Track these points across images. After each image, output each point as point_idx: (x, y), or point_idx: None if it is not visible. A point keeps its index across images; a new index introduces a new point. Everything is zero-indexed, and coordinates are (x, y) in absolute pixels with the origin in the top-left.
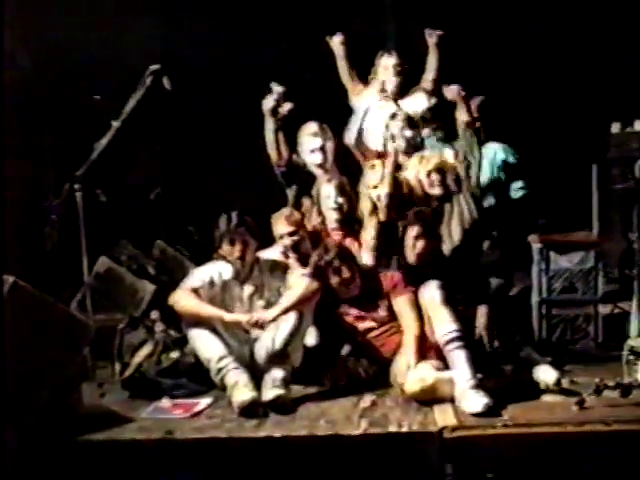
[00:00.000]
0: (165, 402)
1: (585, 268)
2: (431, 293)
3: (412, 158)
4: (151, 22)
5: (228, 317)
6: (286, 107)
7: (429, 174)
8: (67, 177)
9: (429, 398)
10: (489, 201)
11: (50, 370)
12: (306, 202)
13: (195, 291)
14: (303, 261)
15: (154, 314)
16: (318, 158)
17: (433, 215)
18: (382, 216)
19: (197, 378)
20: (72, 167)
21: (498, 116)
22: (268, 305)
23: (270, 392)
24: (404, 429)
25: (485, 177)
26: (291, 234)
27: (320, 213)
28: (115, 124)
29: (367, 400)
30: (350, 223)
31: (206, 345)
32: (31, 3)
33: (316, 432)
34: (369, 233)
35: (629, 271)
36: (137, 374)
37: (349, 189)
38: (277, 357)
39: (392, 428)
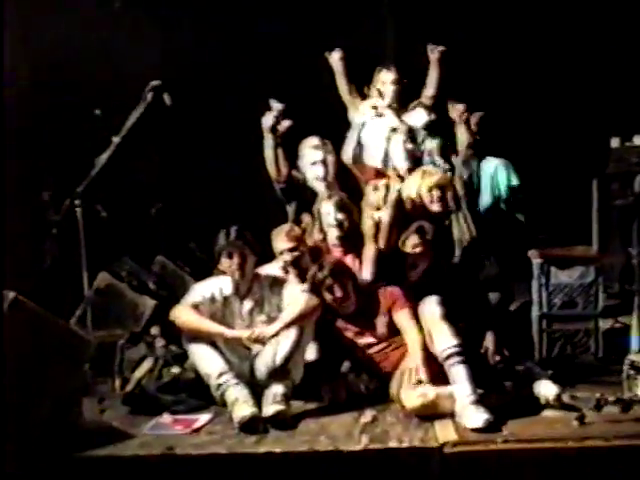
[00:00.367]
0: (165, 418)
1: (585, 283)
2: (431, 309)
3: (414, 173)
4: (151, 38)
5: (229, 334)
6: (285, 124)
7: (430, 190)
8: (68, 193)
9: (430, 413)
10: (489, 216)
11: (50, 385)
12: (306, 218)
13: (196, 307)
14: (303, 277)
15: (154, 330)
16: (320, 171)
17: (435, 230)
18: (382, 243)
19: (197, 394)
20: (73, 183)
21: (498, 131)
22: (268, 320)
23: (270, 408)
24: (405, 445)
25: (485, 193)
26: (291, 250)
27: (321, 230)
28: (115, 140)
29: (368, 415)
30: (351, 240)
31: (206, 361)
32: (31, 18)
33: (317, 448)
34: (369, 250)
35: (629, 286)
36: (137, 390)
37: (350, 206)
38: (278, 373)
39: (393, 444)
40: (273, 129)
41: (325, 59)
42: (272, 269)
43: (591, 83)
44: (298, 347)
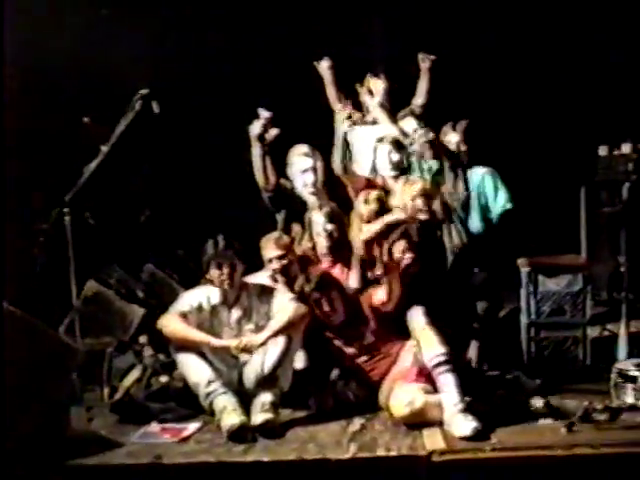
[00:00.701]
0: (154, 426)
1: (573, 291)
2: (418, 318)
3: (398, 183)
4: (140, 46)
5: (216, 343)
6: (273, 132)
7: (414, 199)
8: (56, 201)
9: (418, 421)
10: (476, 225)
11: (38, 394)
12: (295, 227)
13: (184, 316)
14: (291, 285)
15: (143, 338)
16: (310, 178)
17: (419, 231)
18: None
19: (186, 402)
20: (61, 191)
21: (486, 140)
22: (257, 329)
23: (259, 416)
24: (393, 453)
25: (472, 202)
26: (280, 257)
27: (311, 238)
28: (104, 148)
29: (356, 424)
30: (340, 249)
31: (194, 369)
32: (24, 27)
33: (305, 456)
34: (356, 259)
35: (617, 294)
36: (126, 398)
37: (340, 216)
38: (266, 381)
39: (381, 452)
40: (261, 137)
41: (314, 67)
42: (260, 278)
43: (579, 92)
44: (286, 355)
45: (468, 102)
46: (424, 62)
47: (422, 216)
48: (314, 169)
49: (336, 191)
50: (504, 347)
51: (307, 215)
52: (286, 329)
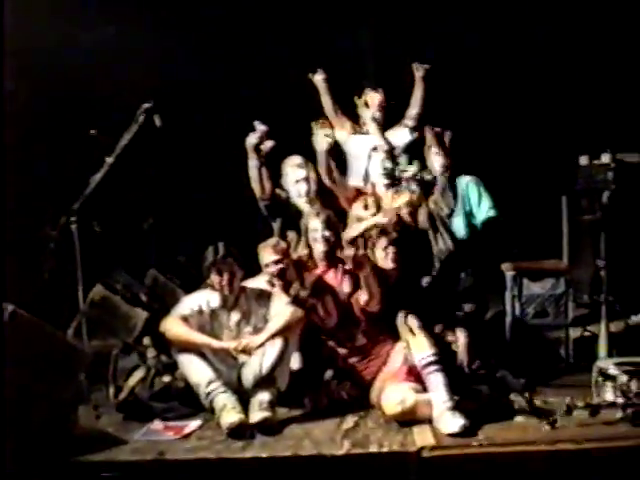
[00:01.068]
0: (157, 424)
1: (556, 294)
2: (408, 320)
3: (388, 193)
4: (144, 61)
5: (216, 345)
6: (268, 144)
7: (399, 209)
8: (64, 210)
9: (409, 419)
10: (461, 231)
11: (48, 393)
12: (290, 234)
13: (185, 319)
14: (288, 288)
15: (146, 340)
16: (303, 188)
17: (398, 230)
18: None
19: (187, 401)
20: (69, 200)
21: (471, 150)
22: (255, 331)
23: (257, 414)
24: (385, 449)
25: (457, 209)
26: (277, 262)
27: (307, 245)
28: (109, 159)
29: (349, 421)
30: (335, 254)
31: (195, 370)
32: (31, 36)
33: (301, 452)
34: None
35: (597, 297)
36: (130, 397)
37: (336, 223)
38: (264, 381)
39: (373, 448)
40: (257, 149)
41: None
42: (258, 282)
43: (561, 105)
44: (283, 357)
45: (453, 113)
46: (418, 71)
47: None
48: (307, 179)
49: (329, 200)
50: (490, 348)
51: (303, 222)
52: (283, 332)
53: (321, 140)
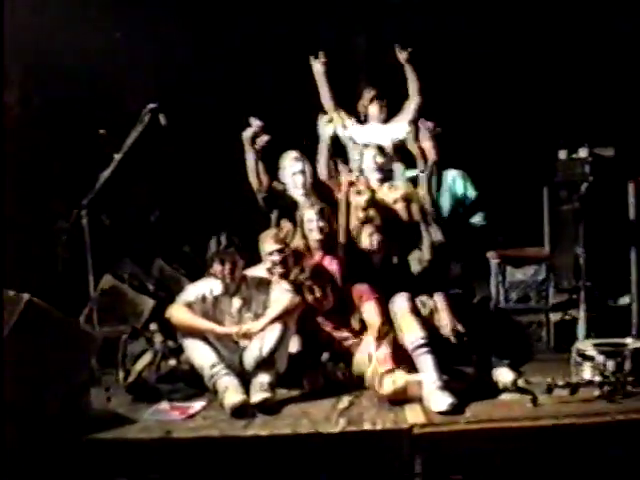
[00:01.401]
0: (164, 405)
1: (538, 280)
2: (400, 304)
3: (382, 187)
4: (149, 61)
5: (219, 330)
6: (264, 139)
7: (395, 202)
8: (75, 204)
9: (400, 398)
10: (450, 223)
11: (62, 377)
12: (286, 224)
13: (189, 306)
14: (287, 276)
15: (153, 326)
16: (299, 180)
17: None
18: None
19: (192, 383)
20: (80, 195)
21: (456, 145)
22: (255, 317)
23: (258, 395)
24: (378, 427)
25: (445, 202)
26: (278, 251)
27: (303, 235)
28: (117, 156)
29: (345, 401)
30: (329, 243)
31: (199, 354)
32: (40, 38)
33: (299, 430)
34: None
35: (576, 282)
36: (139, 380)
37: (329, 213)
38: (264, 364)
39: (367, 426)
40: (253, 143)
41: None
42: (258, 271)
43: (541, 101)
44: (282, 341)
45: (438, 107)
46: (401, 54)
47: (404, 218)
48: (303, 172)
49: (323, 193)
50: (476, 331)
51: (298, 214)
52: (282, 317)
53: (326, 128)
